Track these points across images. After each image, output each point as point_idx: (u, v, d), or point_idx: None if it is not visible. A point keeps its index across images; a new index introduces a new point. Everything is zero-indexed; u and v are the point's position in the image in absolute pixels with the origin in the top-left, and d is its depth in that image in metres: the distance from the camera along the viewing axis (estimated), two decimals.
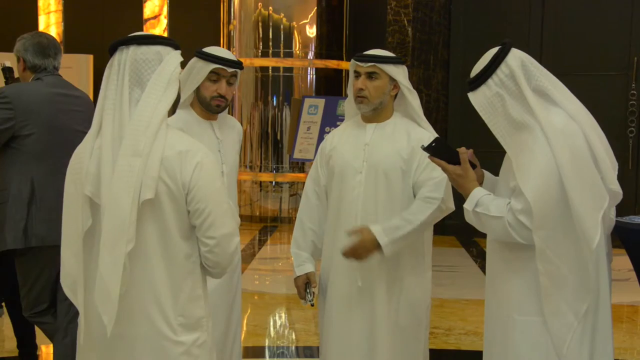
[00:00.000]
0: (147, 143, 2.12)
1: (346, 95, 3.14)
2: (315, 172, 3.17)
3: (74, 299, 2.25)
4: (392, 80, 2.99)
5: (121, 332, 2.18)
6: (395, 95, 3.06)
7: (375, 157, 2.95)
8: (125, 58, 2.19)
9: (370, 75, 2.97)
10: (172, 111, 2.33)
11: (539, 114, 2.31)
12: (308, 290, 3.07)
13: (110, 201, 2.11)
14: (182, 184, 2.18)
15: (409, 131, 3.02)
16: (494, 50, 2.40)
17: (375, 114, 3.03)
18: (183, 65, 3.12)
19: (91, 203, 2.17)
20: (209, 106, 3.18)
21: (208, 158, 2.25)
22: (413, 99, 3.04)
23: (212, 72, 3.12)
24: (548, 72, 2.41)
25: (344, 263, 2.99)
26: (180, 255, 2.22)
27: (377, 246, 2.87)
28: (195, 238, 2.27)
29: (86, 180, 2.17)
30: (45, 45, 3.58)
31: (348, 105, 3.14)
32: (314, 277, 3.10)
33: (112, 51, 2.23)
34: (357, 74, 3.01)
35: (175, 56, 2.25)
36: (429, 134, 2.96)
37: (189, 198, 2.20)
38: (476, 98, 2.39)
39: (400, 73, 2.99)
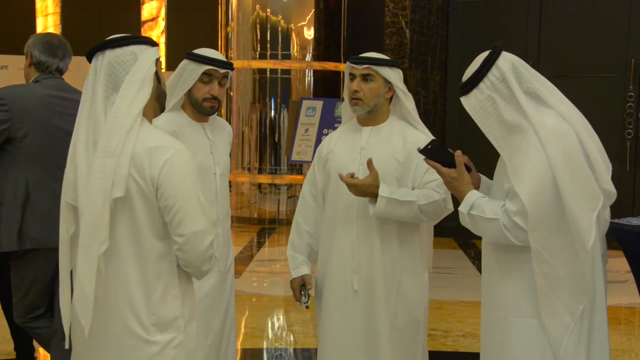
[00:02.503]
0: (119, 142, 2.11)
1: (344, 97, 3.14)
2: (312, 175, 3.17)
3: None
4: (387, 82, 2.99)
5: (96, 333, 2.18)
6: (391, 98, 3.06)
7: None
8: (101, 64, 2.18)
9: (365, 78, 2.97)
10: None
11: (531, 115, 2.31)
12: (303, 293, 3.07)
13: (86, 204, 2.11)
14: (150, 179, 2.16)
15: (405, 134, 3.01)
16: (484, 54, 2.40)
17: (371, 116, 3.02)
18: (174, 67, 3.12)
19: (74, 209, 2.19)
20: (201, 108, 3.17)
21: (180, 154, 2.21)
22: (408, 101, 3.03)
23: (204, 73, 3.12)
24: (539, 74, 2.41)
25: (340, 267, 2.99)
26: (153, 254, 2.20)
27: (374, 195, 2.85)
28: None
29: (66, 187, 2.19)
30: (55, 45, 3.61)
31: (345, 109, 3.14)
32: (310, 280, 3.10)
33: (90, 59, 2.22)
34: (352, 76, 3.01)
35: (151, 54, 2.22)
36: (424, 137, 2.95)
37: (159, 194, 2.17)
38: (468, 102, 2.39)
39: (395, 76, 2.98)
